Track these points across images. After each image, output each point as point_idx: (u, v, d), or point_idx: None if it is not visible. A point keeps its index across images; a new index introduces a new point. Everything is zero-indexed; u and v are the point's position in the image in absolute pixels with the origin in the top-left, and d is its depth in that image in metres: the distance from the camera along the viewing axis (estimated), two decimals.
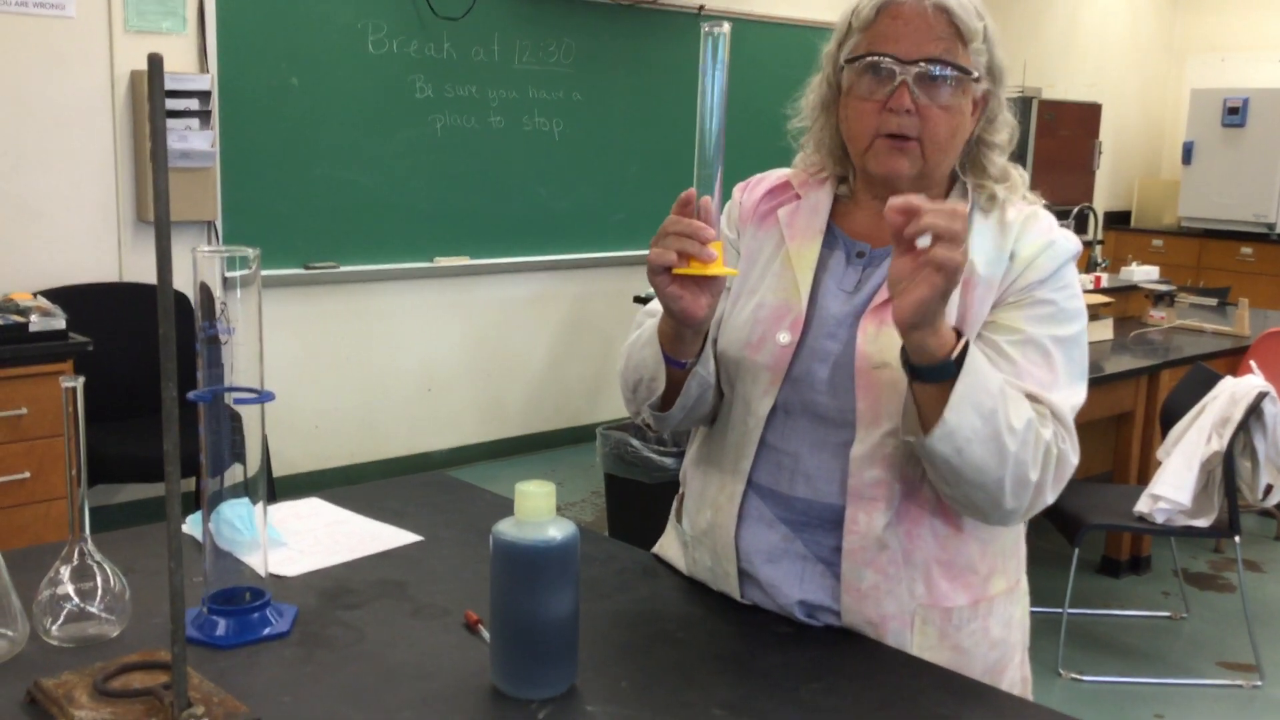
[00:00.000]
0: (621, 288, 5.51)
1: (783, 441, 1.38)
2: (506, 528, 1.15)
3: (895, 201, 1.13)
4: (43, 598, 1.25)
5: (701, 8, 5.58)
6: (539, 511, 1.15)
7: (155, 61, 0.90)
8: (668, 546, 1.57)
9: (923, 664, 1.30)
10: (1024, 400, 1.25)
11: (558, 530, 1.15)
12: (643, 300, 4.78)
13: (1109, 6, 8.28)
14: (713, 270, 1.23)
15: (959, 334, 1.21)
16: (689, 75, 5.58)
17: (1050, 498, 1.29)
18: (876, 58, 1.30)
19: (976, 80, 1.32)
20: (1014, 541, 1.43)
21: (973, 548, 1.37)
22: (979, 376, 1.20)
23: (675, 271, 1.23)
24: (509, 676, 1.16)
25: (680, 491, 1.55)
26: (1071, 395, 1.30)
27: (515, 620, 1.15)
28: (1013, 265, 1.32)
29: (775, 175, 1.52)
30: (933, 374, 1.19)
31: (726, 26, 1.23)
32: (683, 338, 1.33)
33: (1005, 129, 1.39)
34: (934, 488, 1.31)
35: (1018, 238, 1.34)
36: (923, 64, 1.28)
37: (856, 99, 1.33)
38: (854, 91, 1.33)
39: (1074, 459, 1.28)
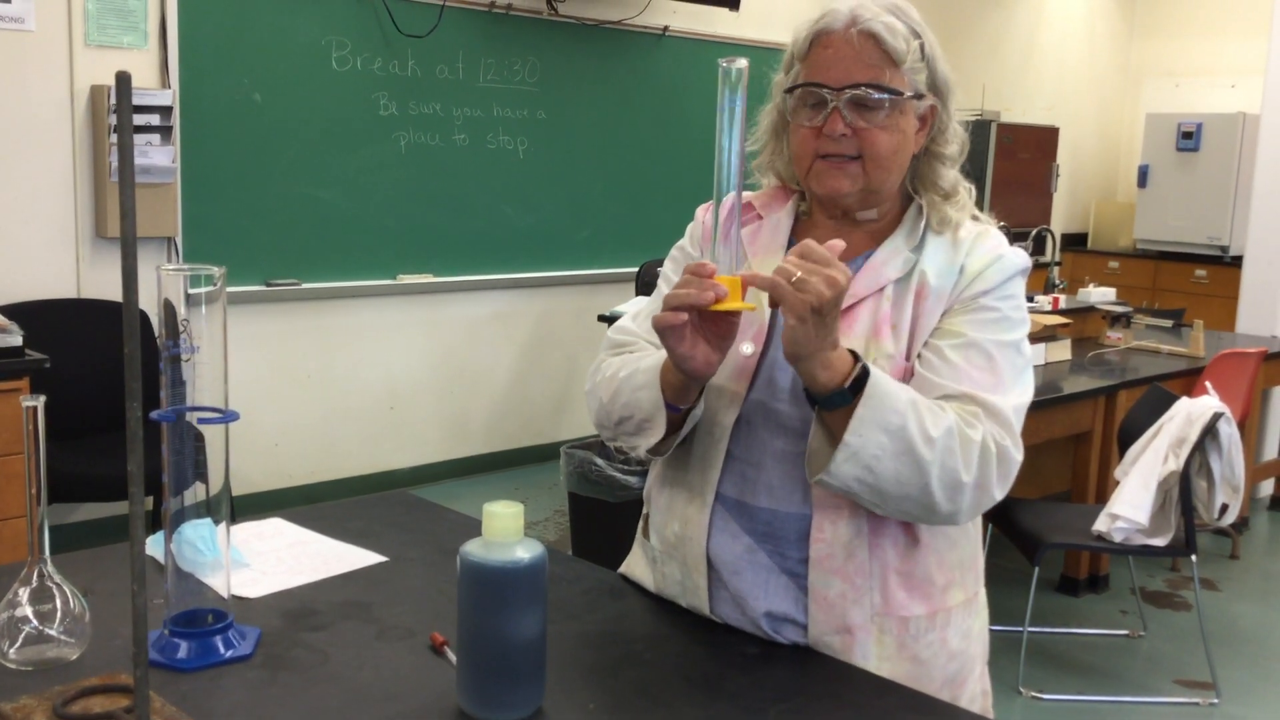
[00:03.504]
0: (586, 306, 5.51)
1: (746, 452, 1.40)
2: (474, 548, 1.15)
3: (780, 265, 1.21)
4: (0, 620, 1.23)
5: (666, 29, 5.61)
6: (507, 532, 1.15)
7: (123, 80, 0.89)
8: (634, 565, 1.57)
9: (888, 684, 1.31)
10: (941, 409, 1.28)
11: (525, 551, 1.15)
12: (607, 319, 4.78)
13: (1066, 31, 8.41)
14: (725, 306, 1.22)
15: (857, 359, 1.24)
16: (653, 95, 5.65)
17: (998, 494, 1.31)
18: (809, 87, 1.35)
19: (917, 98, 1.36)
20: (971, 554, 1.45)
21: (930, 559, 1.39)
22: (882, 398, 1.23)
23: (715, 308, 1.22)
24: (476, 699, 1.16)
25: (645, 510, 1.56)
26: (1014, 396, 1.33)
27: (482, 642, 1.15)
28: (961, 277, 1.37)
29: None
30: (828, 402, 1.24)
31: (743, 62, 1.24)
32: (689, 389, 1.34)
33: (955, 141, 1.43)
34: None
35: (968, 253, 1.38)
36: (851, 90, 1.33)
37: (797, 125, 1.39)
38: (795, 118, 1.39)
39: (1017, 455, 1.31)
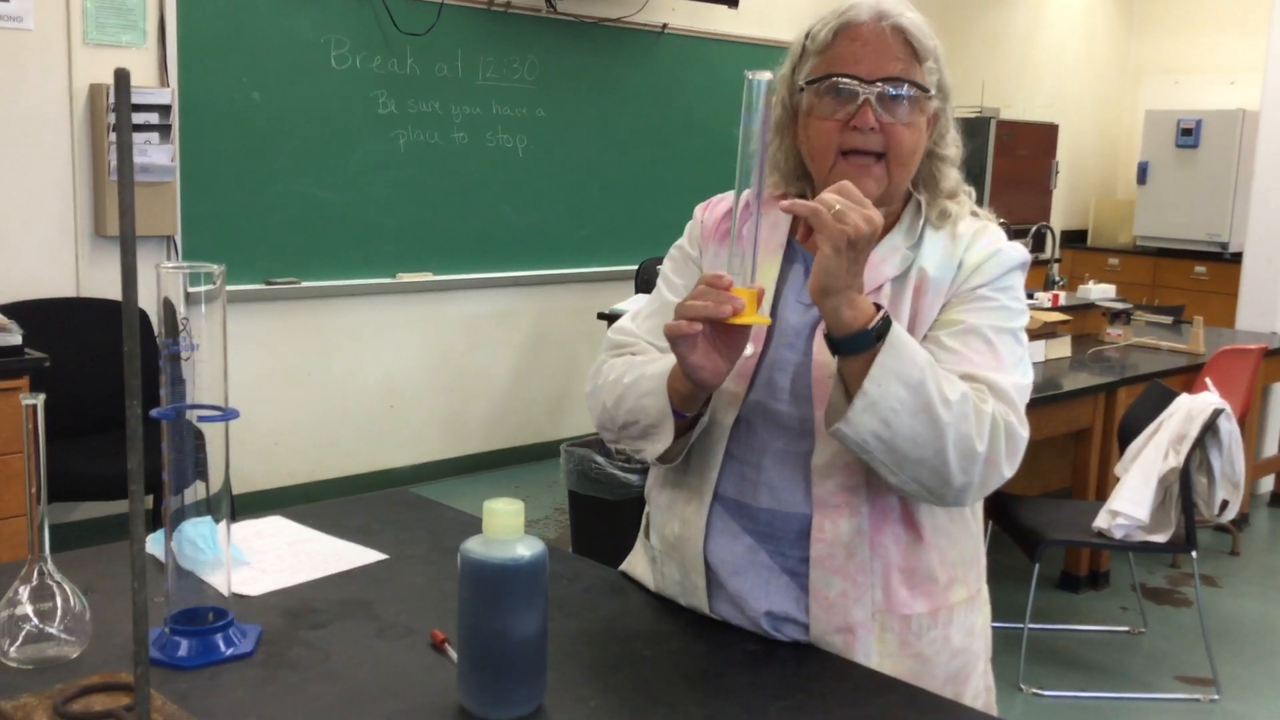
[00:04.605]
0: (585, 304, 5.51)
1: (746, 453, 1.40)
2: (475, 546, 1.15)
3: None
4: (0, 618, 1.23)
5: (664, 26, 5.61)
6: (507, 529, 1.14)
7: (122, 77, 0.89)
8: (635, 563, 1.57)
9: (890, 681, 1.31)
10: (956, 378, 1.28)
11: (526, 548, 1.15)
12: (607, 317, 4.78)
13: (1066, 28, 8.41)
14: (742, 319, 1.22)
15: (880, 309, 1.24)
16: (652, 92, 5.65)
17: (1007, 471, 1.30)
18: (838, 78, 1.33)
19: (931, 98, 1.36)
20: (974, 551, 1.45)
21: (933, 556, 1.39)
22: (903, 349, 1.23)
23: (732, 321, 1.22)
24: (476, 696, 1.16)
25: (647, 509, 1.56)
26: (1016, 376, 1.33)
27: (483, 639, 1.14)
28: (960, 271, 1.37)
29: None
30: (850, 344, 1.22)
31: (768, 75, 1.23)
32: (696, 396, 1.34)
33: (955, 145, 1.43)
34: (896, 493, 1.33)
35: (967, 247, 1.38)
36: (884, 83, 1.32)
37: (818, 119, 1.35)
38: (815, 112, 1.36)
39: (1024, 432, 1.30)
